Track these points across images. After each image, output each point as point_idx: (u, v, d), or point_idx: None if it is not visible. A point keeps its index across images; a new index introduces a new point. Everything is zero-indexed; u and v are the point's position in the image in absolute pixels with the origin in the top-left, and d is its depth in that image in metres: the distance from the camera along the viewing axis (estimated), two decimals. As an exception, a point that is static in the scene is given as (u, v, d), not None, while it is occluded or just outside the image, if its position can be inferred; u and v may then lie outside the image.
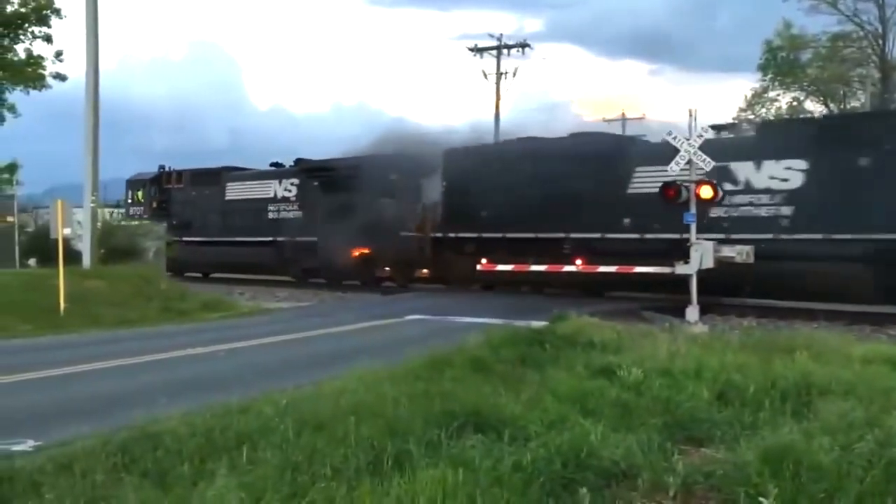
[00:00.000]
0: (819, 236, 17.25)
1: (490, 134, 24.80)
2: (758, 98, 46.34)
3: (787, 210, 18.04)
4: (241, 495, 4.36)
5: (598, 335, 10.44)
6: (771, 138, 19.30)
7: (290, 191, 28.44)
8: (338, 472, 4.74)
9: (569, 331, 10.88)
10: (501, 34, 41.31)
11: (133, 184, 33.90)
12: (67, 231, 16.85)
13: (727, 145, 18.67)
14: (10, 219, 23.63)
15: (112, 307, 17.37)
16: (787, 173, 18.07)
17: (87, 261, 19.73)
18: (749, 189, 18.54)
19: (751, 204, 18.50)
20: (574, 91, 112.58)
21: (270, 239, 27.76)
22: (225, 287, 27.05)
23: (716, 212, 18.28)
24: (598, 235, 20.36)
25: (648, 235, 19.49)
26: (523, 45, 41.28)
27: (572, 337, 10.29)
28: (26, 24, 29.37)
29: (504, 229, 21.63)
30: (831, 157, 17.52)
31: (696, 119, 16.16)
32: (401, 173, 24.61)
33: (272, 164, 30.40)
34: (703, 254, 16.13)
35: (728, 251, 17.42)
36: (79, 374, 9.85)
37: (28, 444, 6.14)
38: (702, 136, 15.92)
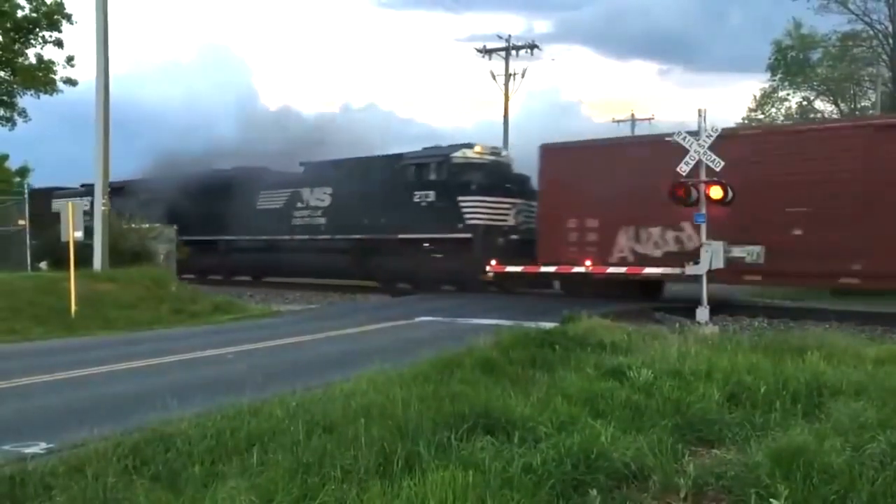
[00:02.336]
0: (328, 237, 27.39)
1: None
2: (767, 98, 46.22)
3: (322, 220, 27.90)
4: (252, 497, 4.37)
5: (608, 336, 10.42)
6: (318, 172, 28.69)
7: (87, 206, 35.01)
8: (348, 474, 4.74)
9: (579, 332, 10.85)
10: (510, 35, 41.29)
11: None
12: (78, 234, 16.90)
13: (304, 177, 29.14)
14: (21, 222, 23.69)
15: (123, 309, 17.44)
16: (324, 196, 27.99)
17: (97, 263, 19.79)
18: (308, 206, 28.38)
19: (309, 216, 28.34)
20: (583, 92, 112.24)
21: None
22: (235, 289, 27.23)
23: (295, 220, 28.60)
24: (235, 238, 30.25)
25: (263, 237, 29.51)
26: (532, 46, 41.17)
27: (582, 338, 10.26)
28: (37, 29, 29.54)
29: (193, 233, 28.67)
30: (342, 185, 27.08)
31: (705, 119, 16.15)
32: (153, 192, 30.41)
33: (82, 185, 34.15)
34: (713, 254, 16.08)
35: (738, 251, 17.42)
36: (90, 377, 9.90)
37: (40, 447, 6.18)
38: (711, 136, 15.90)
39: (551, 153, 23.16)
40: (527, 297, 22.59)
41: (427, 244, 24.45)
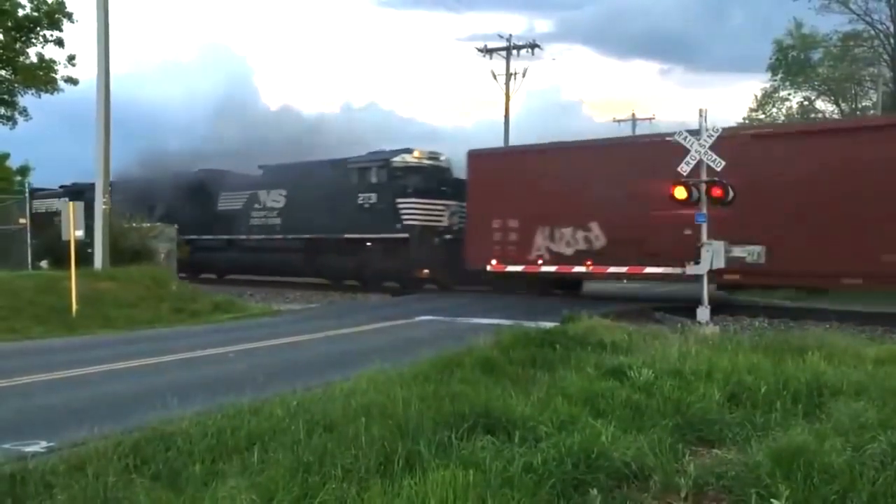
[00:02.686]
0: (282, 236, 28.90)
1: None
2: (768, 98, 46.20)
3: (277, 220, 29.48)
4: (253, 496, 4.37)
5: (608, 336, 10.42)
6: (274, 174, 30.17)
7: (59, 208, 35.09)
8: (348, 473, 4.75)
9: (579, 332, 10.86)
10: (511, 35, 41.20)
11: None
12: (79, 233, 16.89)
13: (261, 179, 30.71)
14: (22, 221, 23.70)
15: (124, 308, 17.44)
16: (279, 198, 29.64)
17: (98, 262, 19.79)
18: (265, 207, 30.01)
19: (265, 217, 29.95)
20: (584, 91, 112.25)
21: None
22: (235, 288, 27.25)
23: (253, 221, 30.17)
24: (196, 237, 30.48)
25: (224, 236, 31.05)
26: (533, 46, 41.07)
27: (583, 338, 10.26)
28: (38, 28, 29.51)
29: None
30: (296, 188, 28.75)
31: (706, 119, 16.11)
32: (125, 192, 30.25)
33: (60, 187, 36.03)
34: (714, 253, 16.04)
35: (738, 251, 17.40)
36: (90, 376, 9.91)
37: (40, 445, 6.18)
38: (712, 136, 15.87)
39: (477, 158, 24.45)
40: (527, 297, 22.58)
41: (369, 244, 26.16)
